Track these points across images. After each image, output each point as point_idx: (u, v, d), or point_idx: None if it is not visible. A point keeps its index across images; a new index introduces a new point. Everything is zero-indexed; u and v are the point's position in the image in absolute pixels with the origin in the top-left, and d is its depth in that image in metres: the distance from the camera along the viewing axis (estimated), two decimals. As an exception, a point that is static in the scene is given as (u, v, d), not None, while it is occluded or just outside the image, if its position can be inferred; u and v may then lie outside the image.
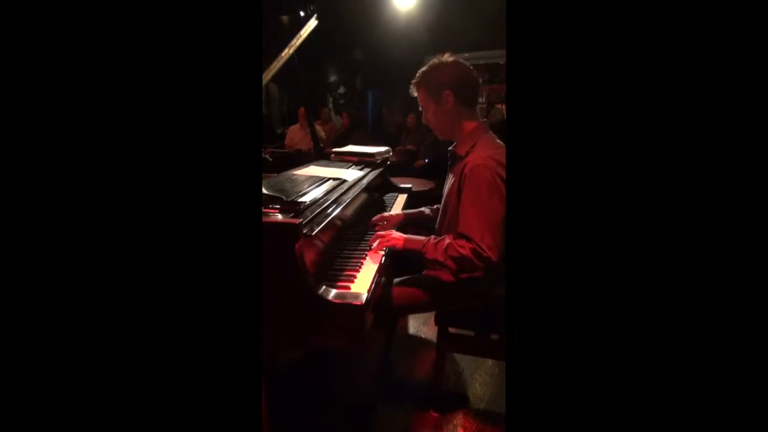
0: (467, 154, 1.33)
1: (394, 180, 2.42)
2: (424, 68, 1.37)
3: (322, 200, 1.32)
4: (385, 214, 1.76)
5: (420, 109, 1.42)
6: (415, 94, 1.41)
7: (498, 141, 1.36)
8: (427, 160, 4.25)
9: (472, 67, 1.37)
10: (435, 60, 1.36)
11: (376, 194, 2.11)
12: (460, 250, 1.20)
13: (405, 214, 1.74)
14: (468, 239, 1.21)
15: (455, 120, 1.37)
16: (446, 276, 1.37)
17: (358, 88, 6.53)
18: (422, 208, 1.74)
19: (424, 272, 1.47)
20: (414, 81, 1.39)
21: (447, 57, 1.36)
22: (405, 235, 1.37)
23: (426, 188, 3.31)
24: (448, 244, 1.24)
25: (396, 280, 1.44)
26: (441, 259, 1.25)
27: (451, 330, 1.52)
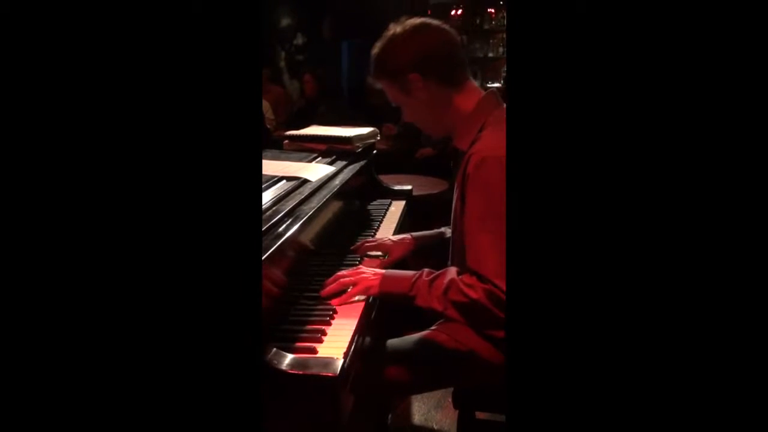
0: (472, 144, 1.35)
1: (385, 179, 2.47)
2: (374, 50, 1.43)
3: (269, 213, 1.34)
4: (379, 239, 1.70)
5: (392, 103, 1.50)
6: (380, 86, 1.48)
7: None
8: (434, 148, 4.30)
9: (444, 26, 1.42)
10: (388, 32, 1.41)
11: (356, 202, 2.13)
12: (468, 292, 1.18)
13: (415, 239, 1.70)
14: (480, 277, 1.19)
15: (440, 108, 1.41)
16: (462, 333, 1.34)
17: (326, 37, 6.59)
18: (442, 229, 1.72)
19: (435, 326, 1.44)
20: (371, 69, 1.45)
21: (404, 23, 1.40)
22: (383, 272, 1.35)
23: (435, 191, 3.36)
24: (450, 282, 1.22)
25: (391, 341, 1.42)
26: (439, 307, 1.23)
27: (479, 415, 1.54)
